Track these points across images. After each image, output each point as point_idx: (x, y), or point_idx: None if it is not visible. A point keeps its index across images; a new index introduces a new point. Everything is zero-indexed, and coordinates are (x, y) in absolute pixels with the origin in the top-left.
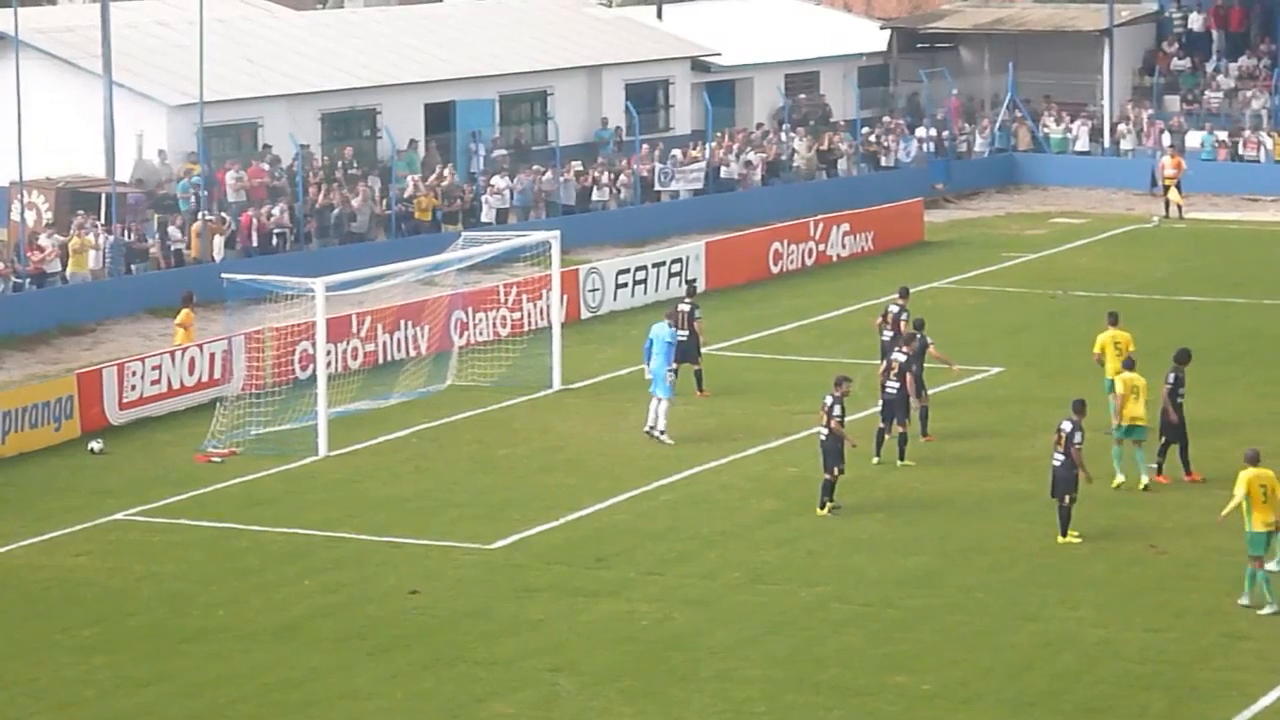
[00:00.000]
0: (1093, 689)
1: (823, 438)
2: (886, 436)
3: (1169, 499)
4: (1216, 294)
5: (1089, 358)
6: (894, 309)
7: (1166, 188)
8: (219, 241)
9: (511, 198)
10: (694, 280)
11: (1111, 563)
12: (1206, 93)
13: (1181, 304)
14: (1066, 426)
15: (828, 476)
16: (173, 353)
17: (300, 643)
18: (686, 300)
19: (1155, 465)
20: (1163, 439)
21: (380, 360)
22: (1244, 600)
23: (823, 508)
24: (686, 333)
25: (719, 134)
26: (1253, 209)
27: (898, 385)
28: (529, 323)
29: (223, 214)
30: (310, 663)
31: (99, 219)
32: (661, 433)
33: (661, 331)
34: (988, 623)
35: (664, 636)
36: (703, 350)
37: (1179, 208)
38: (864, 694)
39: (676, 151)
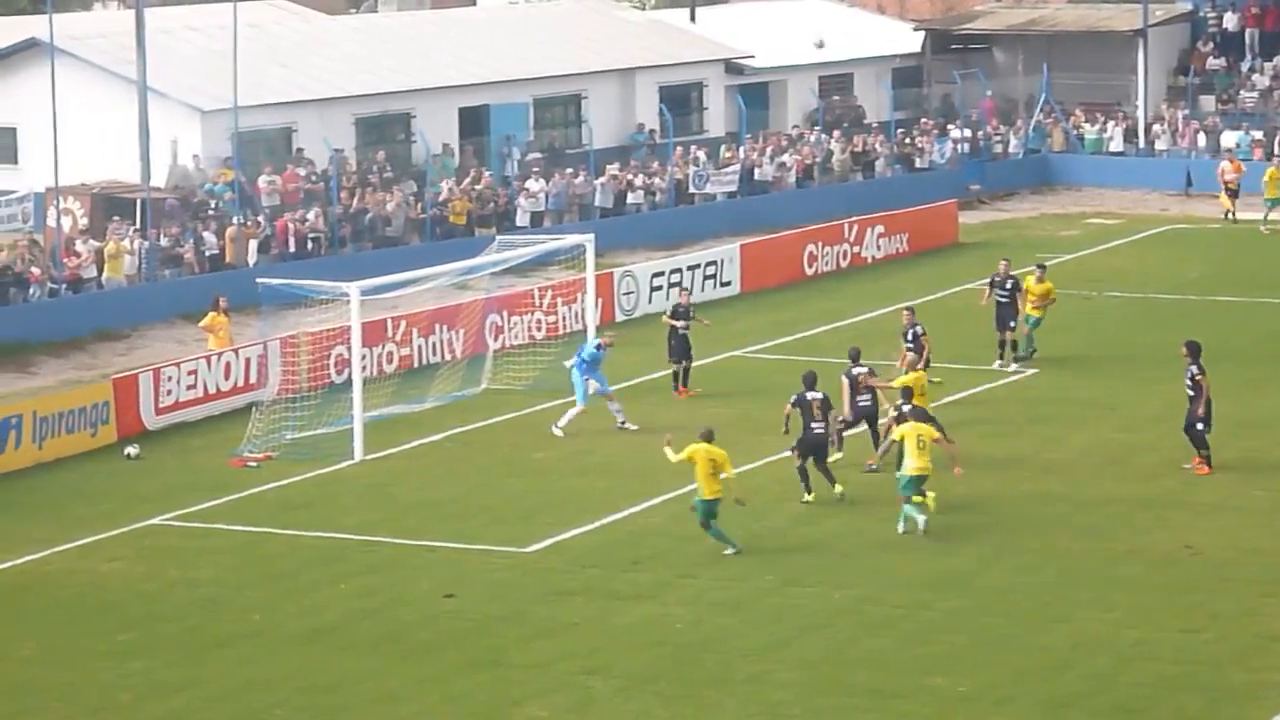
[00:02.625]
0: (1128, 690)
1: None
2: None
3: (1204, 500)
4: (1251, 294)
5: (1123, 358)
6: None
7: (1233, 193)
8: (253, 246)
9: (546, 201)
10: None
11: (1146, 564)
12: (1241, 92)
13: (1215, 304)
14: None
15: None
16: (208, 358)
17: (335, 647)
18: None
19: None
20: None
21: (415, 364)
22: None
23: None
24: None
25: (752, 136)
26: None
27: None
28: (563, 326)
29: (258, 218)
30: (345, 667)
31: (134, 224)
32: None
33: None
34: (1021, 625)
35: (697, 639)
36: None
37: (1232, 212)
38: (897, 696)
39: (700, 154)
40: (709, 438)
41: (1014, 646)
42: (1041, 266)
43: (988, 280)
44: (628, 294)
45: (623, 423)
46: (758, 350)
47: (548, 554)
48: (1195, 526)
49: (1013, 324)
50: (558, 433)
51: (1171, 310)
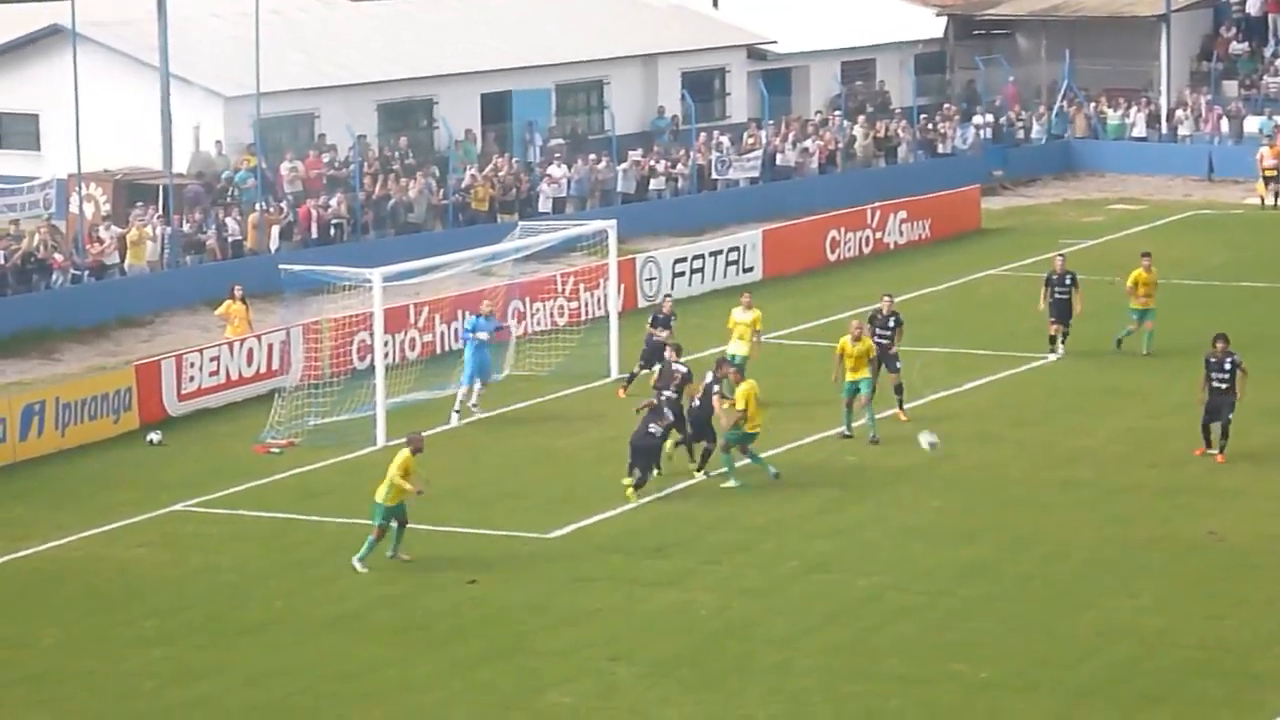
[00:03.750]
0: (1151, 677)
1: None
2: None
3: (1227, 486)
4: (1275, 280)
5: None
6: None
7: (1267, 179)
8: (275, 232)
9: (568, 187)
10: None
11: (1170, 551)
12: (1265, 77)
13: (1239, 290)
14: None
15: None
16: (231, 344)
17: (358, 634)
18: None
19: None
20: (1204, 418)
21: (438, 350)
22: None
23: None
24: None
25: (775, 122)
26: None
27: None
28: (586, 312)
29: (281, 204)
30: (369, 654)
31: (156, 211)
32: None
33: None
34: (1045, 612)
35: (721, 626)
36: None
37: (1276, 197)
38: (921, 683)
39: (723, 140)
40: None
41: (1038, 634)
42: (1147, 255)
43: (1043, 279)
44: (650, 280)
45: (472, 404)
46: (780, 336)
47: (570, 540)
48: (1220, 513)
49: (1055, 319)
50: (454, 418)
51: (1196, 297)
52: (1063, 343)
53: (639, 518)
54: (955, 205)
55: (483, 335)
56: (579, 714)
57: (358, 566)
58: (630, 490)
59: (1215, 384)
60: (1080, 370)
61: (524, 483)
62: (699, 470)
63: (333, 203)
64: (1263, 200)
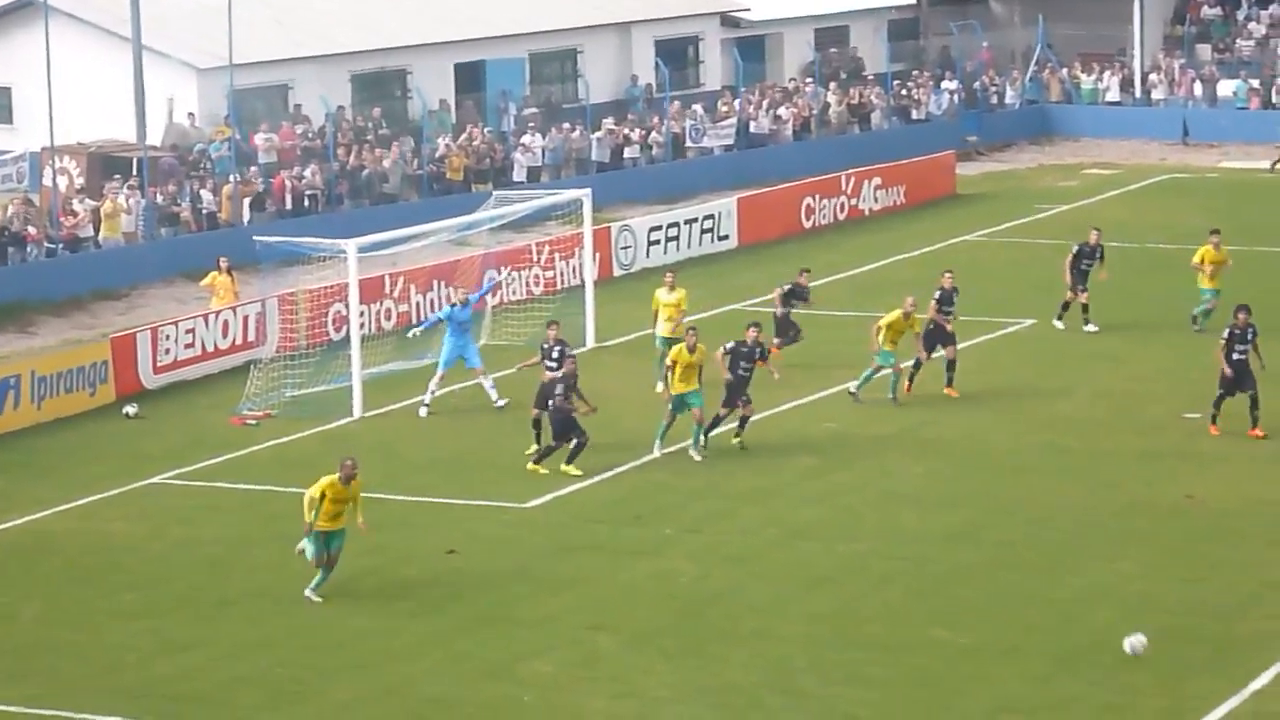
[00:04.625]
0: None
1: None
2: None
3: (1207, 450)
4: (1251, 244)
5: (1122, 309)
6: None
7: None
8: (250, 204)
9: (543, 156)
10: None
11: (1151, 516)
12: (1238, 41)
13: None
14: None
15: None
16: (206, 316)
17: (341, 605)
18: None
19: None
20: (1220, 391)
21: (414, 320)
22: None
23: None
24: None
25: (749, 89)
26: None
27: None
28: (562, 281)
29: (255, 176)
30: (352, 625)
31: (131, 183)
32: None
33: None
34: (1028, 577)
35: (703, 594)
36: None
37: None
38: (905, 649)
39: (697, 108)
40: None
41: (1021, 599)
42: (1216, 232)
43: (1073, 251)
44: (625, 248)
45: (495, 399)
46: (756, 304)
47: (550, 510)
48: (1200, 478)
49: (1084, 288)
50: (423, 411)
51: (1171, 260)
52: (1086, 313)
53: (618, 486)
54: (930, 171)
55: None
56: (560, 682)
57: (312, 597)
58: (543, 464)
59: (1239, 355)
60: (1059, 335)
61: (503, 452)
62: (737, 440)
63: (307, 174)
64: (1274, 165)
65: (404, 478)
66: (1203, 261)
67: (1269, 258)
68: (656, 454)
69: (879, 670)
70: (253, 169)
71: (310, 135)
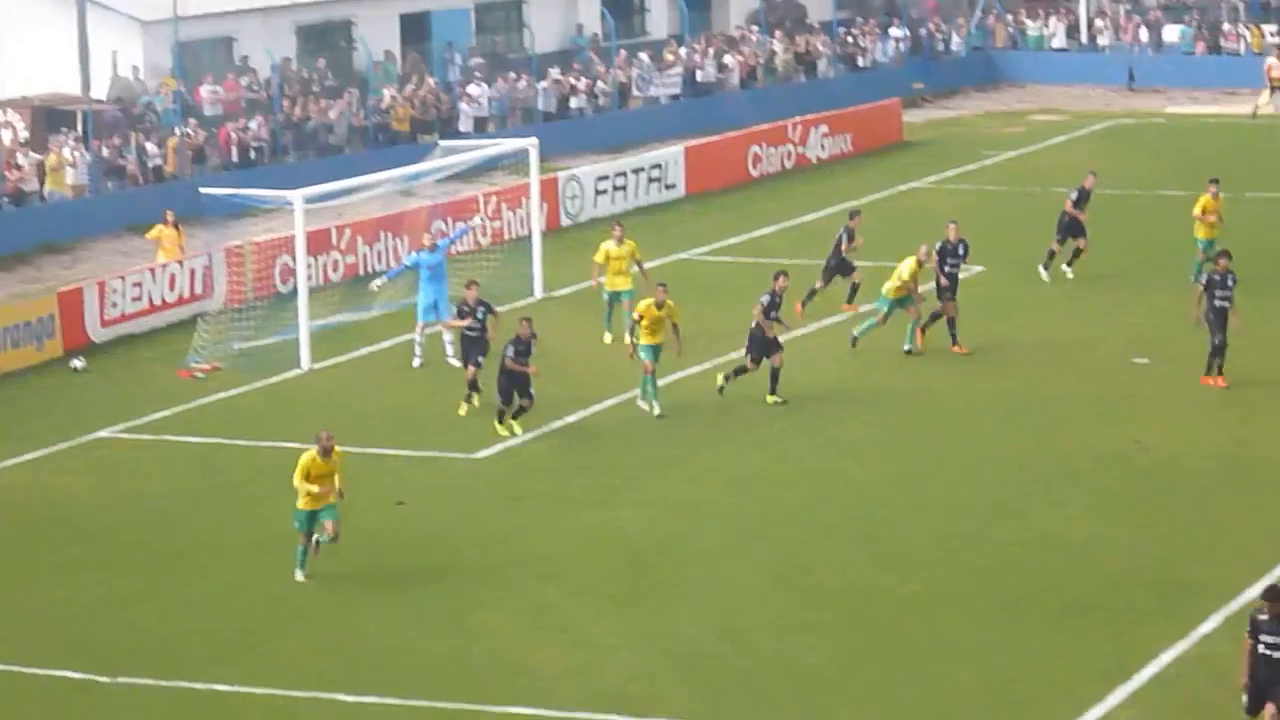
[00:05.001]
0: (1080, 587)
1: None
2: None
3: (1153, 394)
4: (1196, 189)
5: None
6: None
7: (1275, 89)
8: (195, 157)
9: (489, 106)
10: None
11: (1097, 460)
12: None
13: (1162, 199)
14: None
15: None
16: (153, 269)
17: (290, 557)
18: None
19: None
20: (1214, 340)
21: (361, 272)
22: None
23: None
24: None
25: (695, 38)
26: (1231, 102)
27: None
28: (509, 231)
29: (200, 129)
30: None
31: (76, 137)
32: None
33: (421, 258)
34: (974, 522)
35: (651, 543)
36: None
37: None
38: (853, 595)
39: (643, 57)
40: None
41: (968, 545)
42: (1215, 181)
43: (1074, 195)
44: (573, 198)
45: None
46: (704, 253)
47: (498, 460)
48: (1145, 422)
49: (1071, 237)
50: (417, 363)
51: (1119, 206)
52: (1070, 265)
53: (566, 437)
54: (877, 119)
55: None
56: (509, 632)
57: (298, 576)
58: (503, 426)
59: (1220, 302)
60: (1005, 281)
61: (450, 403)
62: (771, 394)
63: (253, 126)
64: (1255, 110)
65: (352, 429)
66: (1204, 211)
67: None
68: (656, 410)
69: (827, 616)
70: (197, 122)
71: (255, 87)
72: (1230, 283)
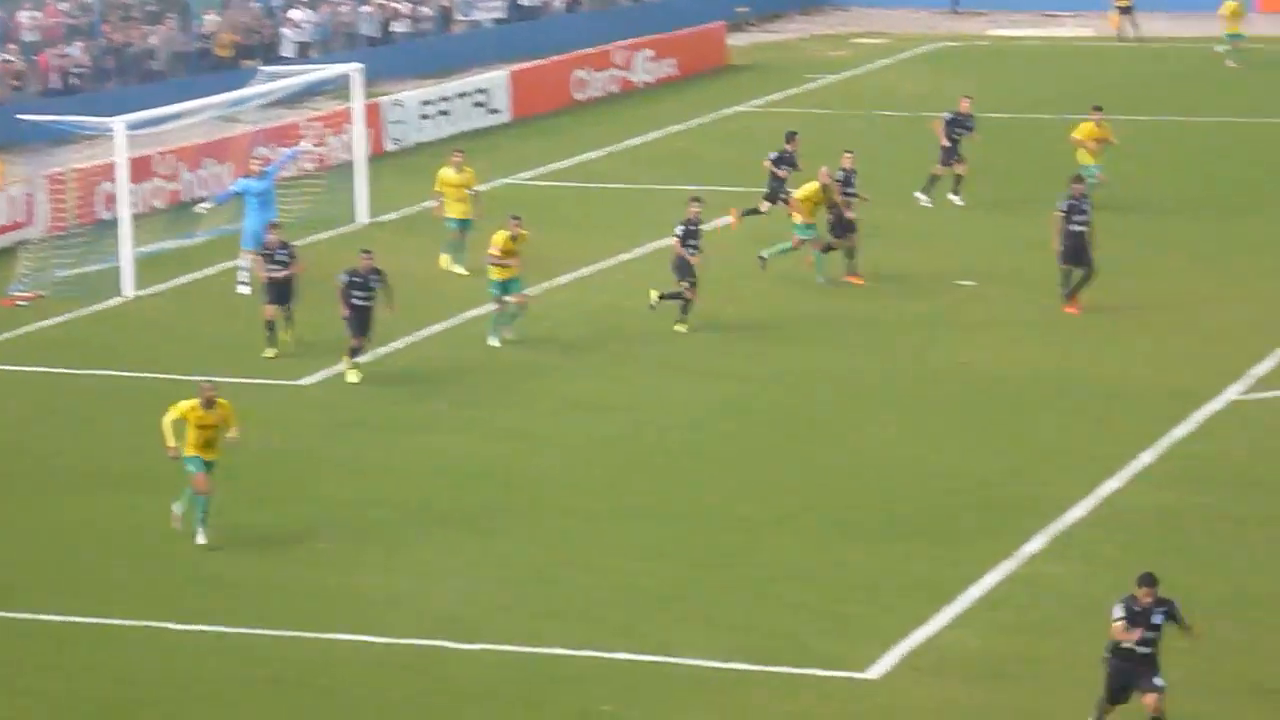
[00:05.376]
0: (907, 507)
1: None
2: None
3: (978, 317)
4: (1018, 111)
5: (897, 178)
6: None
7: (1123, 10)
8: (14, 83)
9: (312, 32)
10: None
11: (922, 381)
12: None
13: (984, 121)
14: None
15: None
16: None
17: (124, 486)
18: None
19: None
20: (1062, 266)
21: (184, 199)
22: None
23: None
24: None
25: None
26: (1050, 25)
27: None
28: (333, 157)
29: (19, 54)
30: (129, 505)
31: None
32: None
33: (249, 184)
34: (801, 444)
35: (481, 468)
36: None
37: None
38: (682, 519)
39: None
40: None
41: (795, 467)
42: (1098, 108)
43: (945, 119)
44: (397, 123)
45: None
46: (531, 178)
47: (325, 388)
48: (972, 344)
49: (959, 159)
50: (244, 290)
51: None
52: (956, 192)
53: (394, 362)
54: (701, 42)
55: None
56: (339, 558)
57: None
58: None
59: (1075, 227)
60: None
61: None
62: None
63: (73, 52)
64: (1119, 33)
65: (176, 356)
66: (1085, 138)
67: (1037, 125)
68: (504, 337)
69: (657, 540)
70: (17, 48)
71: (76, 13)
72: (1086, 208)
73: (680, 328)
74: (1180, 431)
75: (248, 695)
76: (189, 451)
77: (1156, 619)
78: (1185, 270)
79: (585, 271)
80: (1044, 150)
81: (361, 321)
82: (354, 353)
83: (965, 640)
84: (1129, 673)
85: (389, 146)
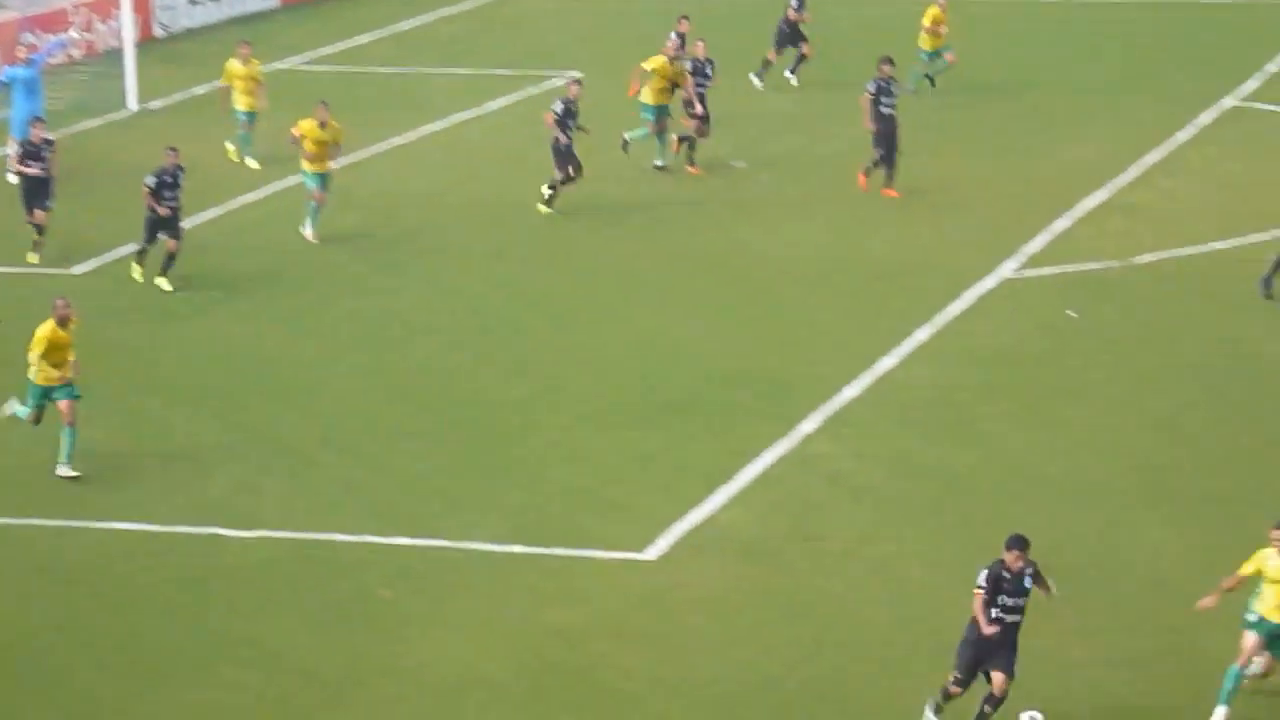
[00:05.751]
0: (682, 387)
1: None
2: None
3: (751, 197)
4: None
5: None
6: None
7: None
8: None
9: None
10: None
11: (697, 263)
12: None
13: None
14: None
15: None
16: None
17: None
18: None
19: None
20: (878, 152)
21: None
22: None
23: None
24: None
25: None
26: None
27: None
28: (102, 44)
29: None
30: None
31: None
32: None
33: (16, 73)
34: (570, 331)
35: (252, 353)
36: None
37: None
38: (456, 404)
39: None
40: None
41: (571, 349)
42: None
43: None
44: (165, 9)
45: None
46: (302, 63)
47: (98, 276)
48: (747, 224)
49: (791, 45)
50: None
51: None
52: (793, 71)
53: (167, 247)
54: None
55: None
56: (110, 446)
57: (64, 471)
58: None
59: (885, 109)
60: (600, 91)
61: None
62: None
63: None
64: None
65: None
66: (933, 23)
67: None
68: (311, 237)
69: (431, 424)
70: None
71: None
72: (894, 90)
73: (544, 209)
74: (955, 309)
75: (20, 586)
76: (43, 380)
77: (1027, 583)
78: (965, 152)
79: (358, 157)
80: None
81: (174, 224)
82: (144, 253)
83: (742, 520)
84: (988, 645)
85: (157, 33)
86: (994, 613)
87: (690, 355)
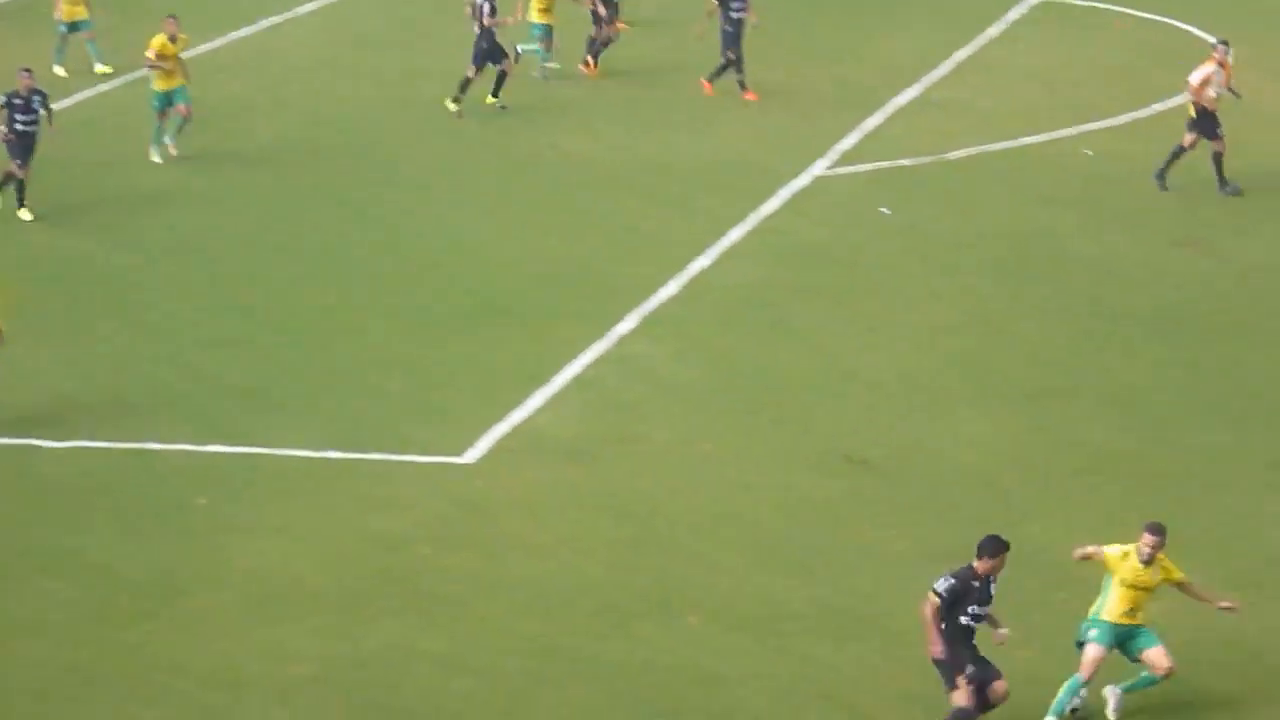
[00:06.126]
0: (498, 290)
1: None
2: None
3: (571, 98)
4: None
5: None
6: None
7: None
8: None
9: None
10: None
11: (511, 164)
12: None
13: None
14: None
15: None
16: None
17: None
18: None
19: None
20: (727, 58)
21: None
22: None
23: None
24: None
25: None
26: None
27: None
28: None
29: None
30: None
31: None
32: None
33: None
34: (389, 232)
35: (69, 265)
36: None
37: None
38: (276, 310)
39: None
40: None
41: (384, 255)
42: None
43: None
44: None
45: None
46: None
47: None
48: (562, 127)
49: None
50: None
51: None
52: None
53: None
54: None
55: None
56: None
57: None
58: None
59: (736, 14)
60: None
61: None
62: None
63: None
64: None
65: None
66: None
67: None
68: (157, 159)
69: (244, 331)
70: None
71: None
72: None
73: (451, 105)
74: (768, 208)
75: None
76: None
77: (992, 588)
78: (775, 54)
79: (199, 50)
80: None
81: (25, 147)
82: (10, 179)
83: (559, 423)
84: (971, 650)
85: None
86: (964, 620)
87: (506, 259)
